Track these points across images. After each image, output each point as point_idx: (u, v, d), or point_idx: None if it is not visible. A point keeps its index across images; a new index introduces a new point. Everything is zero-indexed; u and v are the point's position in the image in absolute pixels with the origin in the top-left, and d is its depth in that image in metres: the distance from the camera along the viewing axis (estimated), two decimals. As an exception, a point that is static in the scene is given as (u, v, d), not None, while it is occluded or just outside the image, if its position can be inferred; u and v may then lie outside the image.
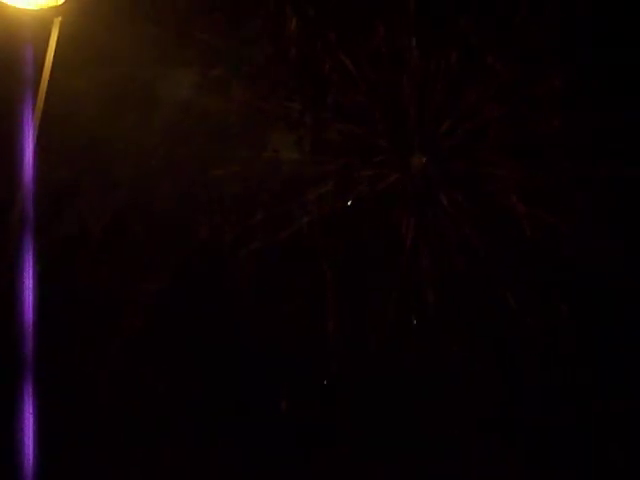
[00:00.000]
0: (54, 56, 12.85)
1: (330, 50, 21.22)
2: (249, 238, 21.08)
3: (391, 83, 20.88)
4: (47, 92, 12.70)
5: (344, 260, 20.69)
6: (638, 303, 19.55)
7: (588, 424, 19.52)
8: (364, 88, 20.85)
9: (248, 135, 21.08)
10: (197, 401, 20.24)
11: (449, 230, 20.51)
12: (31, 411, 14.91)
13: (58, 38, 12.81)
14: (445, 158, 20.72)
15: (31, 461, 14.90)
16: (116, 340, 20.16)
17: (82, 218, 20.53)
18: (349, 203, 20.75)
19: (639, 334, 19.42)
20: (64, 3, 12.70)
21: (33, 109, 12.74)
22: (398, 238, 20.80)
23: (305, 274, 20.75)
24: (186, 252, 21.05)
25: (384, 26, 20.81)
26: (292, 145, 20.93)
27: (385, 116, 21.10)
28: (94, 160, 20.32)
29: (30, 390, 15.12)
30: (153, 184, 20.90)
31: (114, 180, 20.54)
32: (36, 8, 12.65)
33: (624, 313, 19.58)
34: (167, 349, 20.30)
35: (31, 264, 14.05)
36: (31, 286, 14.05)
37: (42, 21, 12.63)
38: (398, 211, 20.98)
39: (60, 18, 12.80)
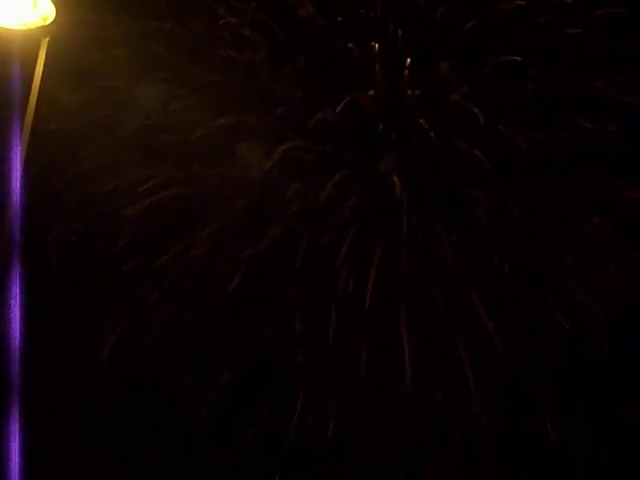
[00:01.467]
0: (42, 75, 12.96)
1: (298, 73, 21.56)
2: (217, 256, 21.22)
3: (359, 101, 21.19)
4: (35, 110, 12.83)
5: (312, 280, 20.87)
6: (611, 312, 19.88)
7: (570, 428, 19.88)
8: (333, 107, 21.02)
9: (216, 153, 21.20)
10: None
11: (421, 246, 20.74)
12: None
13: (46, 57, 12.96)
14: (416, 173, 21.04)
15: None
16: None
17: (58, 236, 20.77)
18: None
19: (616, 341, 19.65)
20: (51, 23, 12.85)
21: (21, 126, 12.84)
22: (368, 253, 20.98)
23: (272, 294, 20.89)
24: (155, 270, 21.17)
25: (352, 47, 21.24)
26: (259, 163, 20.99)
27: (355, 133, 21.38)
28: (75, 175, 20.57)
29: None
30: (125, 201, 21.07)
31: (91, 197, 20.75)
32: (24, 28, 12.79)
33: (598, 323, 19.92)
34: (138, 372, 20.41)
35: (18, 275, 14.08)
36: (19, 296, 14.09)
37: (30, 41, 12.75)
38: (368, 227, 21.18)
39: (48, 38, 12.94)
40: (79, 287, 20.30)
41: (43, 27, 13.05)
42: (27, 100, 13.07)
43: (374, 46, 21.12)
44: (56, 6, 12.95)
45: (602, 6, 20.30)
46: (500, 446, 19.93)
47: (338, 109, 20.82)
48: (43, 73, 13.12)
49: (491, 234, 20.39)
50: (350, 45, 21.21)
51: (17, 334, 14.17)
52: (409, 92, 20.91)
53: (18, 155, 13.18)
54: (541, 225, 20.42)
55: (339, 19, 21.34)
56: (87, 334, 20.22)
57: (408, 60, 20.92)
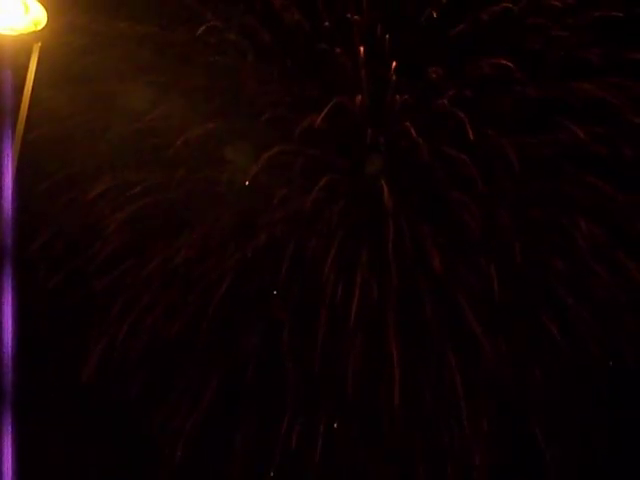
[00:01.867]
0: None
1: (285, 78, 21.55)
2: (205, 261, 21.18)
3: (346, 105, 21.20)
4: (27, 115, 12.75)
5: (300, 284, 20.83)
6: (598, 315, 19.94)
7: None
8: (320, 111, 20.99)
9: (204, 158, 21.18)
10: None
11: (409, 251, 20.72)
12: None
13: (38, 63, 12.89)
14: (404, 177, 21.04)
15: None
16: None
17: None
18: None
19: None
20: (43, 29, 12.77)
21: (13, 132, 12.76)
22: (356, 257, 20.97)
23: (259, 299, 20.86)
24: (141, 276, 21.12)
25: (339, 52, 21.24)
26: (247, 168, 20.95)
27: (342, 138, 21.39)
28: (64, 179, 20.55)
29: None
30: (114, 205, 21.03)
31: (80, 201, 20.72)
32: (15, 34, 12.71)
33: (588, 327, 19.96)
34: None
35: (10, 285, 13.96)
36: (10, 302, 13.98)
37: (22, 46, 12.67)
38: (355, 231, 21.18)
39: (39, 43, 12.86)
40: (68, 293, 20.21)
41: (35, 32, 12.94)
42: (18, 105, 12.99)
43: (361, 50, 21.08)
44: (47, 11, 12.82)
45: (590, 9, 20.32)
46: (489, 451, 19.93)
47: (324, 113, 20.75)
48: (34, 78, 13.03)
49: (479, 239, 20.37)
50: (337, 49, 21.17)
51: (9, 341, 14.05)
52: (396, 96, 20.87)
53: (9, 161, 13.07)
54: (530, 229, 20.42)
55: (325, 24, 21.27)
56: (77, 340, 20.17)
57: (395, 64, 20.87)
